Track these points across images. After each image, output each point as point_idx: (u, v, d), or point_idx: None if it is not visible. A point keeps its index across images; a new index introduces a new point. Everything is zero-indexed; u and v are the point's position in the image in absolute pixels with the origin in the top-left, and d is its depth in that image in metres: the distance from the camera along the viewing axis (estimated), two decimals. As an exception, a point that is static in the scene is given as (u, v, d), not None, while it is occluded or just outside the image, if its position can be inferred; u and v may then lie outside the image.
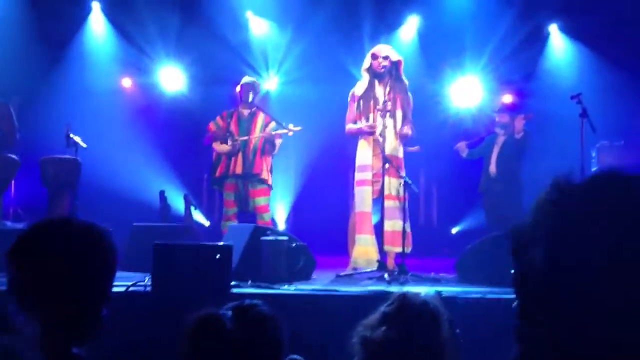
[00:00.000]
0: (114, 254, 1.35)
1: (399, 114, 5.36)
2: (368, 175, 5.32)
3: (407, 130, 5.35)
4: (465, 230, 8.20)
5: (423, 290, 2.04)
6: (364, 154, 5.39)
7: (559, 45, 8.38)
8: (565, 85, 7.31)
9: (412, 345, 1.65)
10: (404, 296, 1.75)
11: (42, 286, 1.23)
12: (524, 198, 6.49)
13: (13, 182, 6.27)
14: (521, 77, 8.14)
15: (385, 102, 5.26)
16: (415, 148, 5.96)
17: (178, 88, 8.45)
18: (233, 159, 6.09)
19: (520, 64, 8.11)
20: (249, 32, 8.45)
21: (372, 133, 5.31)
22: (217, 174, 6.16)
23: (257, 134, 6.11)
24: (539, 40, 8.34)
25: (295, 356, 1.85)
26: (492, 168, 6.59)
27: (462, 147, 6.84)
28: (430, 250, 7.38)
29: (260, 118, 6.20)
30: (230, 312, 1.55)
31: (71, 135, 5.97)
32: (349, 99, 5.53)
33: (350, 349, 1.95)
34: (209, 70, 8.20)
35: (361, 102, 5.42)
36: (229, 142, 6.11)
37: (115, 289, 3.76)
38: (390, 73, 5.38)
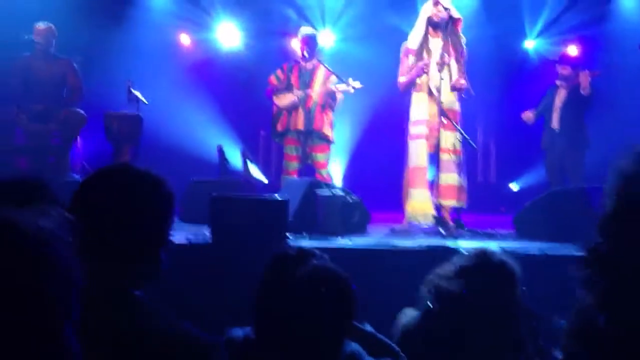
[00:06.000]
0: (171, 199, 1.39)
1: (453, 65, 5.23)
2: (423, 129, 5.24)
3: (462, 81, 5.21)
4: (524, 188, 8.03)
5: (479, 244, 2.03)
6: (419, 107, 5.30)
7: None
8: (635, 39, 6.93)
9: (488, 302, 1.66)
10: (483, 253, 1.76)
11: (103, 230, 1.28)
12: (588, 154, 6.28)
13: (80, 136, 6.50)
14: (589, 30, 7.76)
15: (442, 54, 5.14)
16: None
17: (235, 44, 8.47)
18: (294, 113, 6.06)
19: (588, 14, 7.73)
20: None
21: (423, 72, 5.17)
22: (279, 128, 6.16)
23: (317, 88, 6.06)
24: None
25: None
26: (555, 124, 6.37)
27: (528, 115, 6.52)
28: (487, 207, 7.27)
29: (321, 72, 6.12)
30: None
31: (133, 91, 6.11)
32: (401, 54, 5.43)
33: (408, 300, 1.97)
34: (265, 24, 8.17)
35: (414, 55, 5.30)
36: (291, 95, 6.06)
37: (177, 241, 3.91)
38: (446, 27, 5.24)
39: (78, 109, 6.05)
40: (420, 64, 5.18)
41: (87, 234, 1.18)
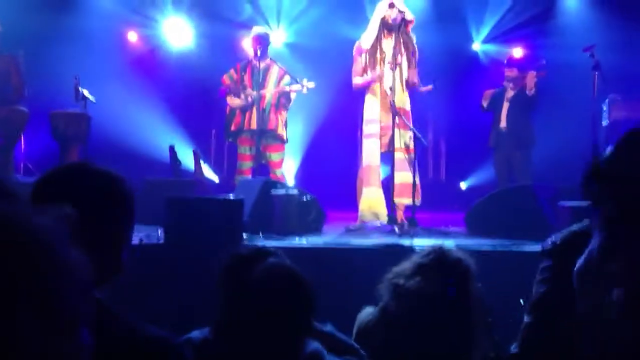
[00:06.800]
0: (131, 199, 1.35)
1: (405, 64, 5.32)
2: (376, 128, 5.31)
3: (415, 79, 5.31)
4: (474, 186, 8.21)
5: (433, 242, 2.07)
6: (372, 107, 5.36)
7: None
8: (578, 38, 7.17)
9: (445, 299, 1.68)
10: (440, 250, 1.78)
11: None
12: (535, 152, 6.48)
13: (23, 136, 6.28)
14: (533, 31, 7.99)
15: (395, 54, 5.21)
16: (429, 87, 5.75)
17: (186, 40, 8.34)
18: (247, 113, 6.03)
19: (532, 17, 7.97)
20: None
21: (378, 81, 5.27)
22: (233, 128, 6.13)
23: (270, 88, 6.03)
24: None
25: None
26: (503, 124, 6.53)
27: (487, 95, 6.67)
28: (439, 205, 7.40)
29: (274, 71, 6.10)
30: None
31: (80, 89, 5.95)
32: (354, 52, 5.47)
33: (366, 299, 1.98)
34: (217, 21, 8.07)
35: (367, 55, 5.35)
36: (242, 96, 6.05)
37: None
38: (399, 28, 5.31)
39: (21, 107, 5.85)
40: (376, 74, 5.25)
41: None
